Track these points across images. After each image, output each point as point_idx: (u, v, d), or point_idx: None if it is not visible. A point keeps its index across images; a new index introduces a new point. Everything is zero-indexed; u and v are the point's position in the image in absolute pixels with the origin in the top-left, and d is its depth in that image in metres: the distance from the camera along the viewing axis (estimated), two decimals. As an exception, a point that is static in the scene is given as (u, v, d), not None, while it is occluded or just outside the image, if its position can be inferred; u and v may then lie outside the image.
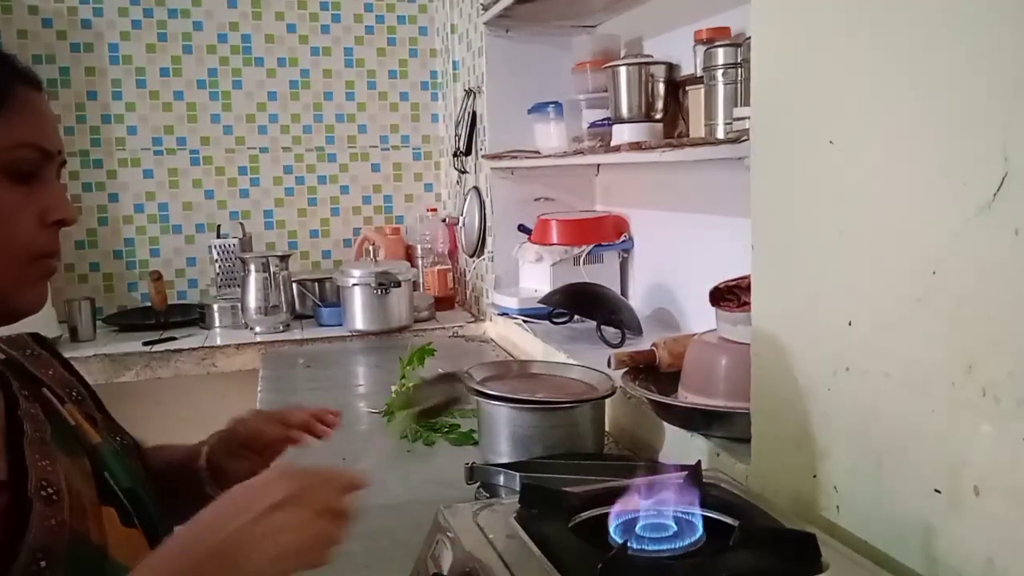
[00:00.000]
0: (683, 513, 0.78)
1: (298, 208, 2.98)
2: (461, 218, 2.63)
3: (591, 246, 2.16)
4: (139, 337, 2.39)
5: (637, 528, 0.77)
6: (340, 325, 2.46)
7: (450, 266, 2.83)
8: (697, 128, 1.60)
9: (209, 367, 2.32)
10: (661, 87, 1.76)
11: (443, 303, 2.75)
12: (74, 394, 0.88)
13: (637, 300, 2.16)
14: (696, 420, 1.24)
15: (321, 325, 2.52)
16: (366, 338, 2.41)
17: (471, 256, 2.63)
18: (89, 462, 0.78)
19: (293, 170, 2.96)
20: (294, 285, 2.54)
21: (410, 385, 1.64)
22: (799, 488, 0.95)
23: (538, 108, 2.13)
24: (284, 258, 2.48)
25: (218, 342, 2.36)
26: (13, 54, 0.78)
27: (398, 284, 2.40)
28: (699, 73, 1.60)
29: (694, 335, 1.40)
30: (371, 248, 2.50)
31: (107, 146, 2.78)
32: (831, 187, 0.88)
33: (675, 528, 0.77)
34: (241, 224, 2.83)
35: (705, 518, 0.80)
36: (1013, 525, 0.68)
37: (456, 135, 2.62)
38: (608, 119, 1.86)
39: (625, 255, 2.23)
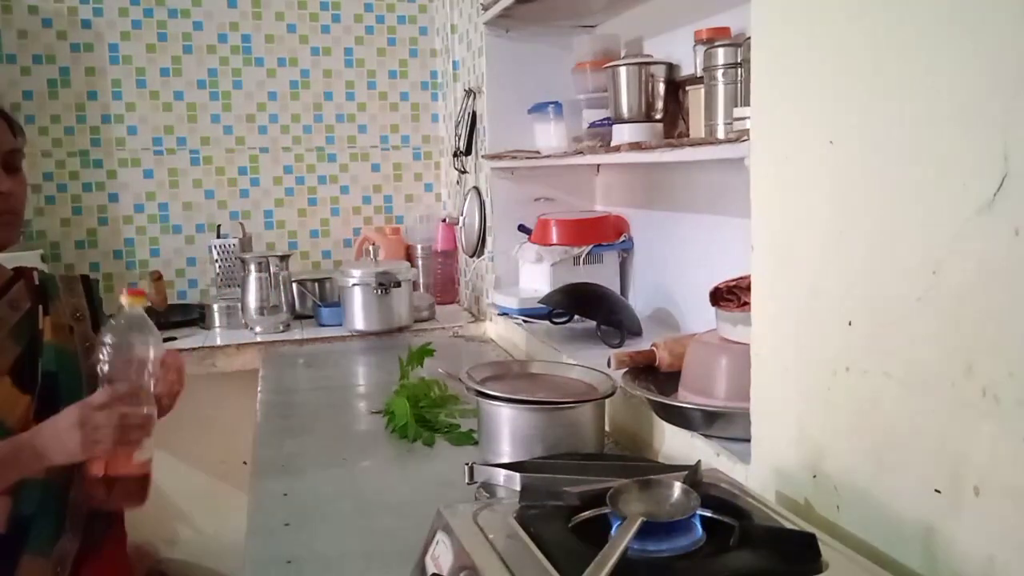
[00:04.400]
0: (683, 513, 0.78)
1: (298, 208, 2.98)
2: (461, 218, 2.63)
3: (591, 246, 2.16)
4: (139, 337, 2.38)
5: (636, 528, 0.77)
6: (340, 325, 2.46)
7: (450, 266, 2.83)
8: (697, 128, 1.60)
9: (209, 367, 2.32)
10: (661, 87, 1.76)
11: (443, 303, 2.75)
12: (78, 314, 1.37)
13: (637, 300, 2.16)
14: (696, 420, 1.24)
15: (321, 325, 2.52)
16: (366, 338, 2.41)
17: (471, 256, 2.63)
18: (29, 351, 1.27)
19: (293, 170, 2.96)
20: (294, 285, 2.54)
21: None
22: (799, 488, 0.95)
23: (538, 108, 2.13)
24: (284, 258, 2.48)
25: (218, 342, 2.36)
26: None
27: (398, 284, 2.40)
28: (699, 73, 1.60)
29: (694, 335, 1.40)
30: (371, 248, 2.50)
31: (107, 146, 2.78)
32: (831, 187, 0.88)
33: (675, 528, 0.77)
34: (241, 224, 2.83)
35: (705, 518, 0.80)
36: (1013, 525, 0.68)
37: (456, 135, 2.62)
38: (608, 119, 1.86)
39: (625, 255, 2.23)
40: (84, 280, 1.44)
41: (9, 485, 1.17)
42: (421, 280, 2.83)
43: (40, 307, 1.33)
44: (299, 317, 2.56)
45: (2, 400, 1.21)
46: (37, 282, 1.36)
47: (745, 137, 1.14)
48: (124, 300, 1.20)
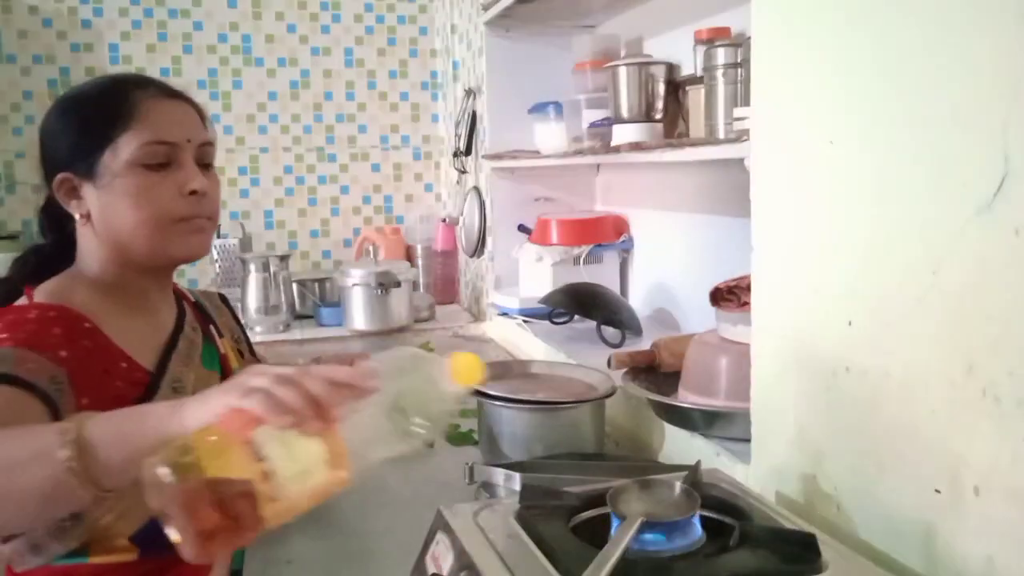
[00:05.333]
0: (683, 513, 0.78)
1: (298, 208, 2.98)
2: (461, 218, 2.63)
3: (591, 246, 2.15)
4: (139, 337, 2.38)
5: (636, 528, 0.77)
6: (340, 325, 2.46)
7: (450, 266, 2.84)
8: (697, 128, 1.60)
9: (209, 367, 2.32)
10: (661, 87, 1.76)
11: (443, 303, 2.75)
12: (235, 336, 1.26)
13: (637, 300, 2.16)
14: (696, 420, 1.24)
15: (321, 325, 2.52)
16: (366, 338, 2.40)
17: (471, 256, 2.63)
18: (221, 377, 1.11)
19: (293, 170, 2.96)
20: (294, 285, 2.54)
21: None
22: (799, 488, 0.95)
23: (538, 108, 2.13)
24: (284, 258, 2.48)
25: (218, 342, 2.35)
26: (142, 76, 1.07)
27: (398, 284, 2.39)
28: (699, 73, 1.60)
29: (694, 335, 1.40)
30: (371, 248, 2.50)
31: (107, 146, 2.78)
32: (831, 187, 0.88)
33: (675, 528, 0.77)
34: (241, 224, 2.83)
35: (705, 518, 0.80)
36: (1013, 525, 0.68)
37: (456, 135, 2.62)
38: (608, 119, 1.86)
39: (625, 255, 2.23)
40: (222, 298, 1.29)
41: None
42: (421, 280, 2.83)
43: (212, 328, 1.18)
44: (299, 317, 2.56)
45: None
46: (193, 300, 1.20)
47: (745, 137, 1.14)
48: (453, 367, 0.83)
